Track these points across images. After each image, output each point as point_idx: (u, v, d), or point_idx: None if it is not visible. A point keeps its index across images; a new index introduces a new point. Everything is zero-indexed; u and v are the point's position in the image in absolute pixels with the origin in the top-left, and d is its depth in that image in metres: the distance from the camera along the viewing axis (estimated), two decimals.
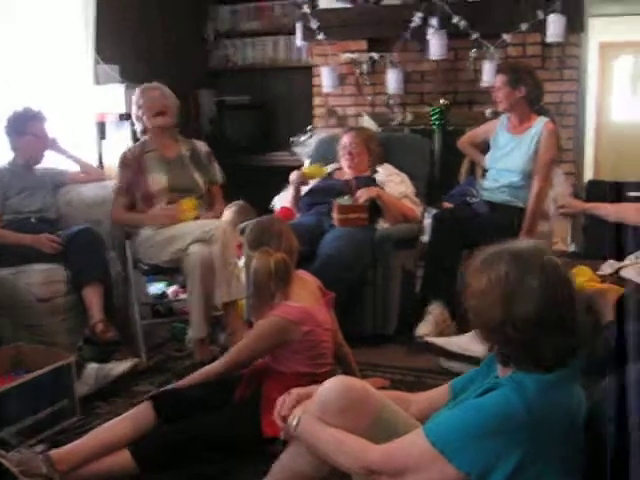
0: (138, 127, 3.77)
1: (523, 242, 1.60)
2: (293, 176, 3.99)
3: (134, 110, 3.74)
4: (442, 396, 1.87)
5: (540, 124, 3.76)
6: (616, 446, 1.48)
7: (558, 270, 1.51)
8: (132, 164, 3.64)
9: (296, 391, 1.91)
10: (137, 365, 3.18)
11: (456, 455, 1.48)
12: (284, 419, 1.85)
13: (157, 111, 3.67)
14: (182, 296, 4.02)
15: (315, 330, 2.45)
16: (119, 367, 3.07)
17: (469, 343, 3.28)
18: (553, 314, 1.47)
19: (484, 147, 4.09)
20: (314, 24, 5.11)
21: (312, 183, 4.00)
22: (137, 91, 3.75)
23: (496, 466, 1.46)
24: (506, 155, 3.83)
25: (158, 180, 3.61)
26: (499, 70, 3.86)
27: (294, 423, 1.79)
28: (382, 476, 1.58)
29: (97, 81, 4.78)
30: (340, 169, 4.01)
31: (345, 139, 3.97)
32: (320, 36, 5.12)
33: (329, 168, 4.07)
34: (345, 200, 3.71)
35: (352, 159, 3.91)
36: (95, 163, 4.51)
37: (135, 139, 4.01)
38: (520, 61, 4.49)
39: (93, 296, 3.32)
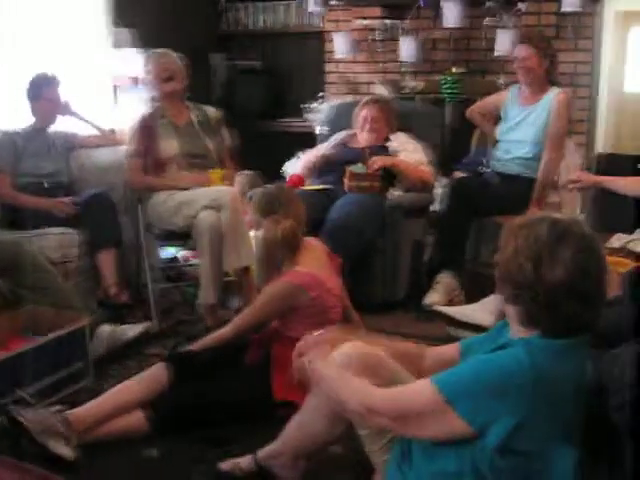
0: (148, 93, 3.78)
1: (565, 214, 1.63)
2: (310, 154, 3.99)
3: (144, 76, 3.75)
4: (453, 352, 1.90)
5: (552, 94, 3.73)
6: (618, 416, 1.52)
7: (593, 246, 1.54)
8: (144, 129, 3.65)
9: (318, 335, 1.94)
10: (149, 328, 3.23)
11: (460, 403, 1.51)
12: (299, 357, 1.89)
13: (166, 77, 3.67)
14: (193, 261, 4.05)
15: (323, 295, 2.48)
16: (132, 330, 3.11)
17: (477, 312, 3.31)
18: (581, 284, 1.50)
19: (494, 118, 4.08)
20: None
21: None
22: (146, 57, 3.75)
23: (498, 420, 1.49)
24: (517, 127, 3.82)
25: (169, 146, 3.62)
26: (527, 40, 3.77)
27: (307, 362, 1.83)
28: (383, 418, 1.61)
29: (112, 45, 4.77)
30: (354, 136, 4.01)
31: (366, 111, 3.95)
32: (334, 1, 5.08)
33: (343, 135, 4.05)
34: (358, 168, 3.71)
35: (372, 130, 3.91)
36: (109, 127, 4.51)
37: (147, 104, 4.01)
38: (542, 31, 4.45)
39: (107, 260, 3.36)
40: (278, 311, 2.52)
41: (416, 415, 1.56)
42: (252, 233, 3.21)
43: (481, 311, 3.34)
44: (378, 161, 3.70)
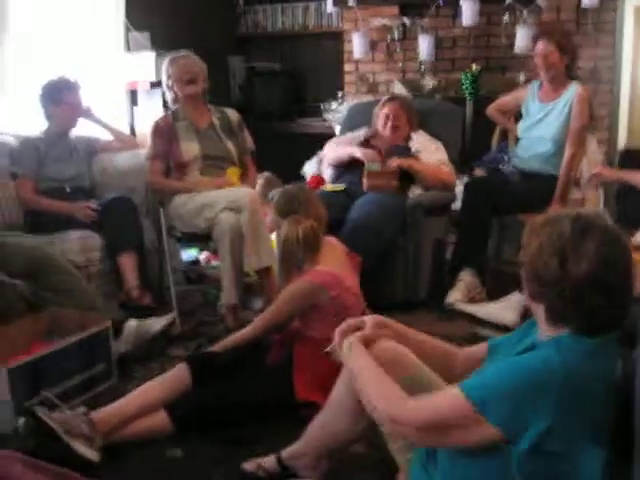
0: (169, 96, 3.79)
1: (587, 209, 1.61)
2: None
3: (164, 79, 3.76)
4: (482, 352, 1.88)
5: (572, 90, 3.70)
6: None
7: (618, 238, 1.53)
8: (164, 133, 3.66)
9: (361, 320, 1.93)
10: (174, 320, 3.24)
11: (491, 410, 1.49)
12: (340, 337, 1.87)
13: (187, 79, 3.68)
14: (214, 262, 4.07)
15: (342, 294, 2.48)
16: (158, 323, 3.12)
17: (500, 310, 3.30)
18: (606, 277, 1.48)
19: (515, 115, 4.05)
20: None
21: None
22: (167, 60, 3.76)
23: (529, 425, 1.47)
24: (538, 123, 3.79)
25: (190, 148, 3.63)
26: (548, 35, 3.74)
27: (346, 346, 1.81)
28: (408, 428, 1.59)
29: (128, 48, 4.80)
30: (374, 136, 4.00)
31: (387, 109, 3.94)
32: (351, 2, 5.08)
33: (363, 132, 4.05)
34: (375, 166, 3.71)
35: (394, 130, 3.90)
36: (127, 131, 4.55)
37: (166, 108, 4.03)
38: (563, 26, 4.42)
39: (128, 263, 3.38)
40: (299, 310, 2.52)
41: (445, 425, 1.53)
42: (272, 236, 3.22)
43: (503, 309, 3.34)
44: (395, 162, 3.70)
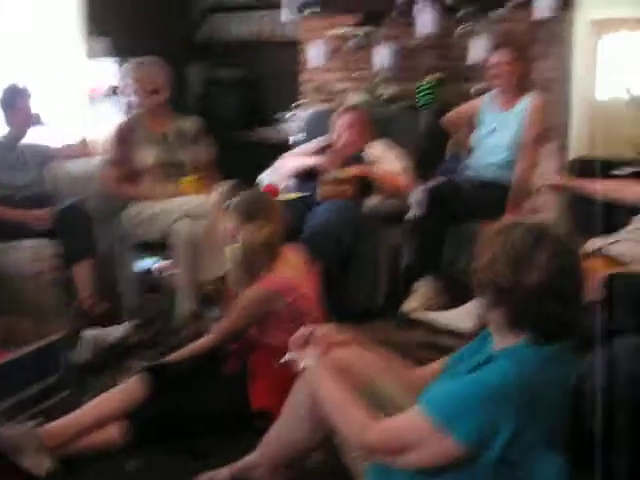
0: (128, 101, 3.75)
1: (539, 218, 1.64)
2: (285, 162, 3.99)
3: (124, 84, 3.71)
4: (438, 369, 1.89)
5: (527, 100, 3.77)
6: (597, 418, 1.53)
7: (570, 247, 1.56)
8: (124, 138, 3.63)
9: (325, 329, 1.93)
10: (134, 329, 3.20)
11: (455, 426, 1.50)
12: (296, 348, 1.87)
13: (152, 89, 3.65)
14: (171, 271, 4.02)
15: (298, 301, 2.48)
16: (116, 331, 3.09)
17: (456, 318, 3.32)
18: (559, 285, 1.51)
19: (470, 125, 4.10)
20: None
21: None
22: (129, 66, 3.72)
23: (492, 438, 1.48)
24: (493, 133, 3.85)
25: (147, 156, 3.60)
26: (504, 45, 3.81)
27: (303, 364, 1.82)
28: (378, 452, 1.61)
29: (87, 54, 4.75)
30: (331, 146, 4.01)
31: (342, 119, 3.96)
32: (308, 11, 5.09)
33: (320, 141, 4.05)
34: (331, 175, 3.72)
35: (349, 138, 3.91)
36: (83, 137, 4.48)
37: (125, 113, 3.99)
38: (519, 37, 4.49)
39: (82, 272, 3.34)
40: (255, 317, 2.51)
41: (410, 446, 1.54)
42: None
43: (460, 317, 3.36)
44: (352, 170, 3.71)
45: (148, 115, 3.69)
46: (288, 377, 1.99)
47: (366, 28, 5.10)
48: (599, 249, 2.86)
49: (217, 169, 3.93)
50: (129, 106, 3.76)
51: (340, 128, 3.95)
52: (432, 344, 3.27)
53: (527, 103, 3.75)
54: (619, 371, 1.55)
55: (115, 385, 2.53)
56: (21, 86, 3.70)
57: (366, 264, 3.66)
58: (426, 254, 3.70)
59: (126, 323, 3.19)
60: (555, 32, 4.74)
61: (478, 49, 4.66)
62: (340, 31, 5.15)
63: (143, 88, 3.65)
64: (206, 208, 3.31)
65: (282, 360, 1.91)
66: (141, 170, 3.59)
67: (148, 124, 3.69)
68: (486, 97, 3.97)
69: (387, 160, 3.88)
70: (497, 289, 1.54)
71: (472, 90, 4.72)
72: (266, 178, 4.18)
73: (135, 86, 3.66)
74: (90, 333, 3.03)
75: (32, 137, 3.85)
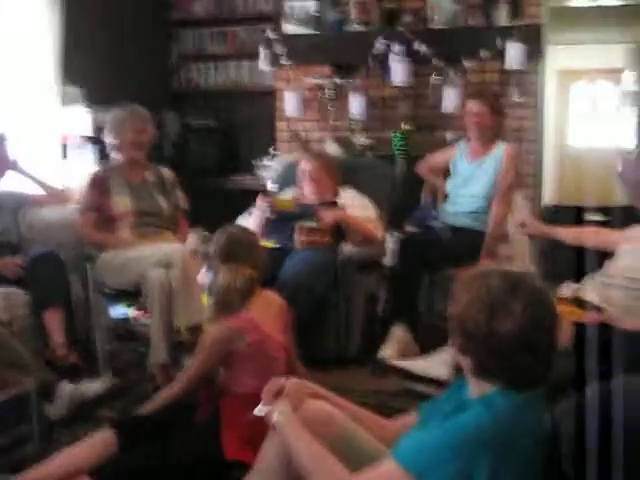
0: (107, 148, 3.74)
1: (515, 267, 1.64)
2: (261, 202, 3.93)
3: (109, 132, 3.69)
4: (412, 421, 1.87)
5: (501, 149, 3.83)
6: (570, 463, 1.52)
7: (545, 297, 1.56)
8: (99, 185, 3.64)
9: (295, 382, 1.90)
10: (113, 386, 3.14)
11: (429, 477, 1.48)
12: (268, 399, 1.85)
13: (139, 140, 3.68)
14: (144, 319, 3.99)
15: (263, 342, 2.44)
16: (93, 387, 3.03)
17: (432, 365, 3.31)
18: (532, 337, 1.51)
19: (444, 172, 4.15)
20: (279, 49, 5.15)
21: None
22: (118, 115, 3.71)
23: None
24: (467, 181, 3.89)
25: (122, 203, 3.60)
26: (478, 95, 3.89)
27: (276, 417, 1.78)
28: None
29: (62, 102, 4.76)
30: (302, 194, 4.03)
31: (304, 165, 3.98)
32: (284, 61, 5.16)
33: (292, 192, 4.08)
34: (309, 223, 3.72)
35: (313, 184, 3.93)
36: (59, 185, 4.47)
37: (100, 161, 3.99)
38: (490, 87, 4.59)
39: (54, 320, 3.29)
40: (218, 356, 2.45)
41: None
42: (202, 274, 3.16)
43: (436, 364, 3.34)
44: (330, 215, 3.72)
45: (126, 164, 3.70)
46: (261, 427, 1.96)
47: (341, 78, 5.18)
48: (572, 294, 2.88)
49: (193, 216, 3.93)
50: (109, 153, 3.74)
51: (302, 173, 3.97)
52: (407, 391, 3.25)
53: (501, 152, 3.81)
54: (591, 417, 1.54)
55: (85, 436, 2.47)
56: None
57: (341, 311, 3.65)
58: (401, 301, 3.71)
59: (104, 378, 3.13)
60: (525, 81, 4.84)
61: (451, 99, 4.75)
62: (315, 81, 5.23)
63: (132, 141, 3.68)
64: (179, 255, 3.28)
65: (254, 412, 1.89)
66: (117, 216, 3.58)
67: (125, 172, 3.70)
68: (460, 145, 4.03)
69: (358, 207, 3.90)
70: (470, 336, 1.54)
71: (447, 139, 4.79)
72: (242, 224, 4.17)
73: (123, 137, 3.66)
74: (67, 389, 2.97)
75: (8, 183, 3.83)
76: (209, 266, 2.75)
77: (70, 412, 2.94)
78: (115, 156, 3.73)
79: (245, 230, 2.81)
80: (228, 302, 2.47)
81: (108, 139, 3.72)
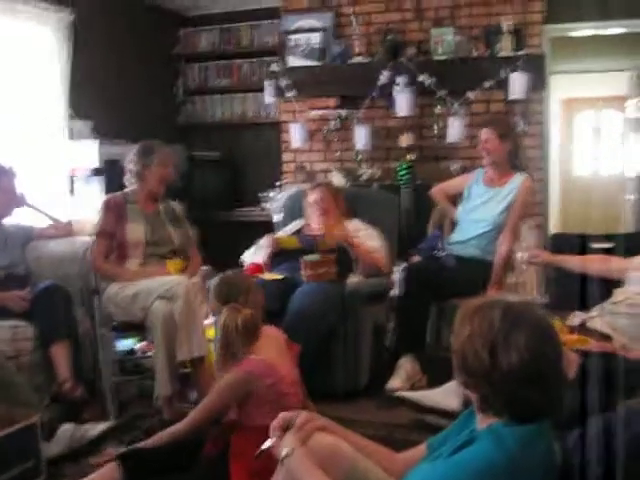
0: (130, 178, 3.76)
1: (517, 297, 1.61)
2: (266, 241, 3.97)
3: (136, 163, 3.71)
4: (421, 454, 1.85)
5: (519, 180, 3.84)
6: None
7: (548, 329, 1.54)
8: (114, 210, 3.65)
9: (304, 416, 1.88)
10: (113, 427, 3.11)
11: None
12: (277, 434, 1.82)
13: (165, 177, 3.74)
14: (150, 353, 3.97)
15: (279, 383, 2.44)
16: (95, 429, 3.00)
17: (442, 397, 3.27)
18: (536, 370, 1.48)
19: (456, 199, 4.16)
20: (283, 82, 5.19)
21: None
22: (151, 146, 3.75)
23: None
24: (480, 206, 3.90)
25: (137, 231, 3.62)
26: (487, 123, 3.93)
27: (285, 452, 1.76)
28: None
29: (70, 136, 4.80)
30: (309, 225, 4.03)
31: (313, 195, 3.99)
32: (289, 93, 5.20)
33: (298, 225, 4.08)
34: (313, 257, 3.70)
35: (321, 215, 3.93)
36: (66, 218, 4.49)
37: (107, 192, 4.02)
38: (502, 116, 4.61)
39: (60, 354, 3.27)
40: (234, 401, 2.46)
41: None
42: (209, 320, 3.17)
43: (446, 395, 3.30)
44: (335, 236, 3.73)
45: (145, 194, 3.73)
46: (270, 460, 1.94)
47: (345, 110, 5.21)
48: (581, 323, 2.86)
49: (200, 249, 3.93)
50: (129, 182, 3.76)
51: (311, 204, 3.98)
52: (416, 423, 3.21)
53: (518, 183, 3.82)
54: (598, 447, 1.52)
55: (93, 471, 2.45)
56: (6, 165, 3.71)
57: (349, 343, 3.62)
58: (408, 332, 3.68)
59: (105, 422, 3.10)
60: (530, 111, 4.86)
61: (456, 129, 4.77)
62: (320, 113, 5.26)
63: (164, 178, 3.74)
64: (183, 288, 3.28)
65: (262, 447, 1.87)
66: (130, 244, 3.59)
67: (141, 202, 3.72)
68: (477, 173, 4.05)
69: (365, 237, 3.90)
70: (472, 372, 1.53)
71: (453, 168, 4.81)
72: (249, 257, 4.17)
73: (151, 167, 3.70)
74: (67, 428, 2.94)
75: (16, 217, 3.85)
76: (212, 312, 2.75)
77: (70, 451, 2.90)
78: (133, 186, 3.75)
79: (240, 274, 2.80)
80: (231, 344, 2.47)
81: (132, 167, 3.74)
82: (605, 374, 2.15)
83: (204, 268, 4.18)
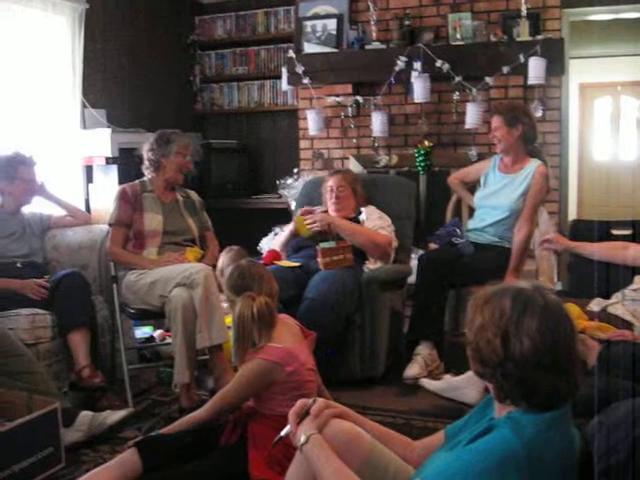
0: (148, 167, 3.76)
1: (526, 283, 1.59)
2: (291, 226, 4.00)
3: (154, 151, 3.72)
4: (439, 441, 1.84)
5: (533, 166, 3.80)
6: None
7: (559, 313, 1.51)
8: (130, 199, 3.66)
9: (321, 403, 1.87)
10: (132, 414, 3.13)
11: None
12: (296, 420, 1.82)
13: (185, 167, 3.76)
14: (168, 340, 3.99)
15: (299, 370, 2.44)
16: (114, 416, 3.01)
17: (463, 387, 3.23)
18: (550, 356, 1.47)
19: (474, 186, 4.13)
20: (300, 69, 5.17)
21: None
22: (172, 136, 3.75)
23: None
24: (496, 192, 3.87)
25: (154, 220, 3.62)
26: (495, 111, 3.88)
27: (302, 439, 1.76)
28: None
29: (84, 125, 4.82)
30: (326, 212, 4.02)
31: (331, 182, 3.98)
32: (306, 80, 5.18)
33: (318, 211, 4.07)
34: (328, 244, 3.69)
35: (339, 202, 3.92)
36: (82, 207, 4.51)
37: (122, 181, 4.02)
38: (515, 101, 4.56)
39: (79, 341, 3.29)
40: (256, 389, 2.46)
41: None
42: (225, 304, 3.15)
43: (467, 385, 3.26)
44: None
45: (163, 183, 3.74)
46: (287, 447, 1.94)
47: (362, 96, 5.19)
48: (601, 310, 2.84)
49: (217, 236, 3.93)
50: (147, 171, 3.76)
51: (328, 191, 3.97)
52: (434, 411, 3.20)
53: (533, 169, 3.78)
54: (619, 435, 1.50)
55: (111, 458, 2.46)
56: (26, 155, 3.73)
57: (366, 330, 3.62)
58: (426, 319, 3.66)
59: (125, 410, 3.11)
60: (548, 96, 4.81)
61: (473, 115, 4.73)
62: (338, 99, 5.24)
63: (182, 167, 3.76)
64: (202, 275, 3.28)
65: (280, 435, 1.87)
66: (147, 233, 3.60)
67: (159, 191, 3.73)
68: (493, 159, 4.01)
69: (372, 219, 3.87)
70: (487, 362, 1.51)
71: (471, 154, 4.77)
72: (267, 244, 4.17)
73: (171, 156, 3.71)
74: (86, 415, 2.95)
75: (34, 205, 3.87)
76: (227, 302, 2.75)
77: (88, 437, 2.92)
78: (152, 174, 3.75)
79: (253, 262, 2.79)
80: (247, 333, 2.47)
81: (150, 155, 3.74)
82: (625, 361, 2.12)
83: (234, 248, 4.18)
